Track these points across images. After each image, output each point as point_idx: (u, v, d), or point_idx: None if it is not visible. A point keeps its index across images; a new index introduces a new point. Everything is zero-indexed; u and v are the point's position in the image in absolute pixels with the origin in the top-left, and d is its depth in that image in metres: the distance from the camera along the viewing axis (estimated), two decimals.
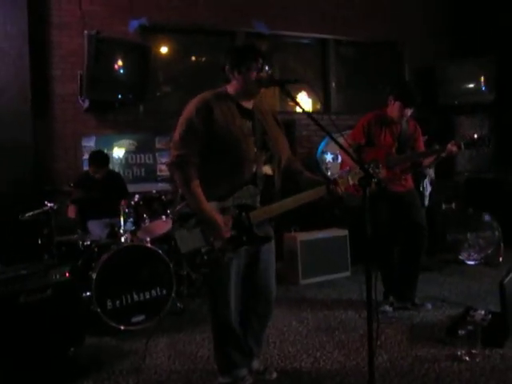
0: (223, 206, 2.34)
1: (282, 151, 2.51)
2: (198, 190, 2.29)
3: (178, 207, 2.39)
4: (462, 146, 3.44)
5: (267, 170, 2.45)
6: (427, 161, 3.74)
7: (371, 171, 2.20)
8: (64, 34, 5.19)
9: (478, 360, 2.81)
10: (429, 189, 5.23)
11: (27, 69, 4.84)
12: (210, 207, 2.30)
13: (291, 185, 2.55)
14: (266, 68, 2.38)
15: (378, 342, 3.09)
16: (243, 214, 2.35)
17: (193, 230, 2.33)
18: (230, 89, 2.43)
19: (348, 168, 2.49)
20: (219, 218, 2.29)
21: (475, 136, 3.48)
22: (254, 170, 2.38)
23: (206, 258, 2.33)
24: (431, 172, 5.19)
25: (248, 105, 2.45)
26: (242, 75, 2.36)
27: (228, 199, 2.35)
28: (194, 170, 2.30)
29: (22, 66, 4.82)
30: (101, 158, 4.57)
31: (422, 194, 5.20)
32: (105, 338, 3.43)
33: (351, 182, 2.37)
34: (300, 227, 5.09)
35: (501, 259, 5.25)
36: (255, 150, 2.38)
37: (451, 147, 3.44)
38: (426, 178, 5.17)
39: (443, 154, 3.49)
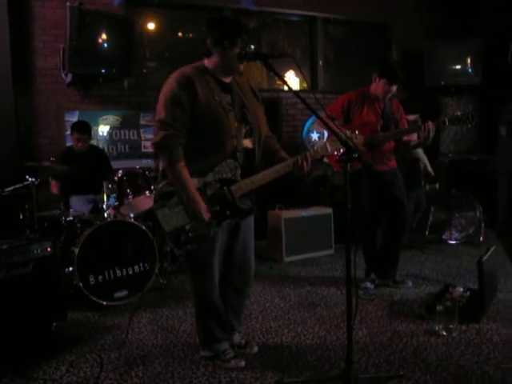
0: (205, 181, 2.34)
1: (262, 125, 2.49)
2: (184, 171, 2.27)
3: (160, 185, 2.38)
4: (447, 122, 3.44)
5: (247, 143, 2.43)
6: (412, 142, 3.74)
7: (350, 142, 2.18)
8: (46, 5, 5.06)
9: (454, 334, 2.88)
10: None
11: (7, 41, 4.71)
12: (195, 190, 2.28)
13: (267, 163, 2.53)
14: (251, 45, 2.33)
15: (359, 318, 3.17)
16: (225, 188, 2.34)
17: (175, 208, 2.33)
18: (209, 63, 2.38)
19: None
20: (202, 205, 2.28)
21: (459, 113, 3.49)
22: (235, 144, 2.36)
23: (190, 234, 2.33)
24: (426, 161, 5.22)
25: (226, 79, 2.42)
26: (225, 51, 2.32)
27: (209, 174, 2.34)
28: (180, 150, 2.28)
29: (1, 38, 4.68)
30: (83, 125, 4.50)
31: (417, 177, 5.24)
32: (88, 313, 3.44)
33: (329, 149, 2.35)
34: (284, 205, 5.11)
35: (481, 239, 5.34)
36: (236, 124, 2.37)
37: (428, 124, 3.42)
38: (418, 161, 5.20)
39: (425, 134, 3.47)
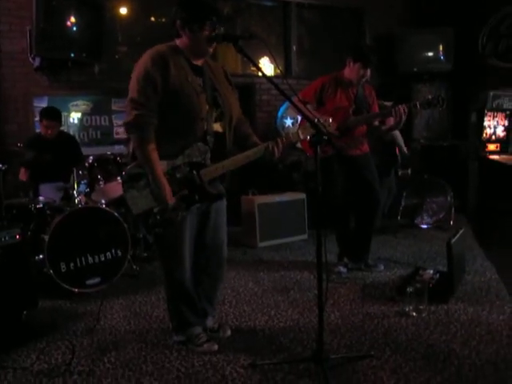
0: (174, 164, 2.31)
1: (233, 109, 2.47)
2: (154, 154, 2.24)
3: (129, 167, 2.35)
4: (418, 106, 3.48)
5: (218, 127, 2.41)
6: (388, 125, 3.77)
7: (321, 127, 2.19)
8: None
9: (424, 315, 2.94)
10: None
11: None
12: (162, 174, 2.25)
13: (239, 148, 2.52)
14: (221, 27, 2.29)
15: (331, 301, 3.21)
16: (194, 171, 2.33)
17: (143, 191, 2.30)
18: (181, 44, 2.34)
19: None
20: (167, 188, 2.26)
21: (430, 96, 3.53)
22: (205, 127, 2.34)
23: (158, 217, 2.31)
24: (402, 144, 5.27)
25: (198, 62, 2.39)
26: (194, 33, 2.28)
27: (178, 157, 2.32)
28: (152, 132, 2.24)
29: None
30: (52, 112, 4.38)
31: (395, 162, 5.30)
32: (59, 301, 3.39)
33: (302, 136, 2.36)
34: (258, 191, 5.11)
35: (452, 223, 5.45)
36: (207, 107, 2.34)
37: (400, 108, 3.45)
38: (395, 147, 5.25)
39: (396, 118, 3.50)
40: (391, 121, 3.77)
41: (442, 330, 2.75)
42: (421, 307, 2.98)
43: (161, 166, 2.27)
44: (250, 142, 2.52)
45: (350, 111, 3.64)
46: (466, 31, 6.49)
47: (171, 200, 2.28)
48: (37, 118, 4.85)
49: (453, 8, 6.62)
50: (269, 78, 2.32)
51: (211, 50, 2.35)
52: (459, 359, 2.40)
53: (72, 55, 4.84)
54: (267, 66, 6.33)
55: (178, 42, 2.36)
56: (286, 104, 6.19)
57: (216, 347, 2.54)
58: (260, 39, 2.27)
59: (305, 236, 5.08)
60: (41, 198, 3.92)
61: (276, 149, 2.37)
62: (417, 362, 2.39)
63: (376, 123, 3.81)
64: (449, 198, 5.59)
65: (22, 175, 4.28)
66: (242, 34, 2.25)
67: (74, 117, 5.25)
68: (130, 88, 2.26)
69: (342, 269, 3.84)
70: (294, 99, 2.62)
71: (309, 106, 3.49)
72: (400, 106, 3.43)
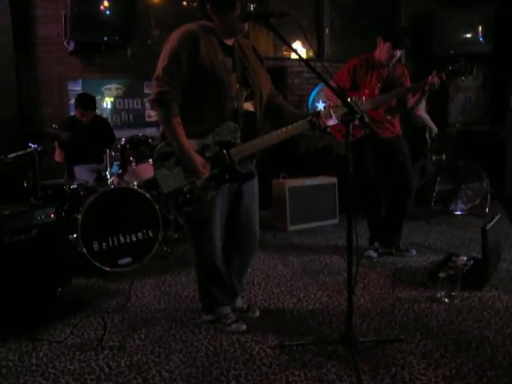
0: (203, 143, 2.31)
1: (264, 87, 2.44)
2: (179, 128, 2.24)
3: (159, 146, 2.36)
4: (444, 76, 3.37)
5: (248, 106, 2.39)
6: (412, 100, 3.67)
7: (353, 105, 2.14)
8: None
9: (456, 301, 2.88)
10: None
11: (7, 8, 4.63)
12: (189, 146, 2.25)
13: (274, 121, 2.50)
14: (251, 5, 2.26)
15: (361, 285, 3.18)
16: (224, 151, 2.32)
17: (174, 169, 2.31)
18: (213, 25, 2.32)
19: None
20: (198, 158, 2.26)
21: (456, 65, 3.37)
22: (235, 106, 2.32)
23: (188, 196, 2.32)
24: (433, 125, 5.13)
25: (228, 41, 2.37)
26: (224, 15, 2.25)
27: (208, 136, 2.31)
28: (176, 107, 2.24)
29: (2, 5, 4.60)
30: (88, 101, 4.46)
31: (424, 146, 5.17)
32: (92, 279, 3.48)
33: (333, 116, 2.31)
34: (289, 174, 5.08)
35: (487, 210, 5.30)
36: (237, 86, 2.32)
37: (432, 79, 3.35)
38: (426, 129, 5.12)
39: (426, 88, 3.41)
40: (411, 101, 3.67)
41: (475, 316, 2.68)
42: (453, 293, 2.92)
43: (188, 142, 2.26)
44: (287, 112, 2.51)
45: (376, 90, 3.56)
46: (507, 10, 6.22)
47: (202, 169, 2.26)
48: (71, 101, 4.95)
49: None
50: (301, 57, 2.28)
51: (245, 28, 2.31)
52: (492, 347, 2.34)
53: (105, 39, 4.88)
54: (299, 50, 6.25)
55: (209, 24, 2.34)
56: (318, 87, 6.11)
57: (244, 327, 2.56)
58: (291, 17, 2.21)
59: (335, 220, 5.04)
60: (75, 179, 4.00)
61: (319, 121, 2.33)
62: (448, 347, 2.35)
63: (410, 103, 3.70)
64: (485, 185, 5.43)
65: (58, 156, 4.38)
66: (273, 11, 2.20)
67: (107, 100, 5.32)
68: (158, 65, 2.27)
69: (373, 253, 3.79)
70: (329, 82, 2.58)
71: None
72: (432, 76, 3.32)
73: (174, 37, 2.26)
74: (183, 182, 2.30)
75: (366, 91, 3.52)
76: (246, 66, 2.40)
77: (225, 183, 2.37)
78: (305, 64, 2.21)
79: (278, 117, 2.53)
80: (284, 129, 2.36)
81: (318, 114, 2.35)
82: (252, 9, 2.23)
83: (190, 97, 2.27)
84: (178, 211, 2.38)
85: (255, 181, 2.56)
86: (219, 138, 2.31)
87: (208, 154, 2.31)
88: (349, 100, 2.18)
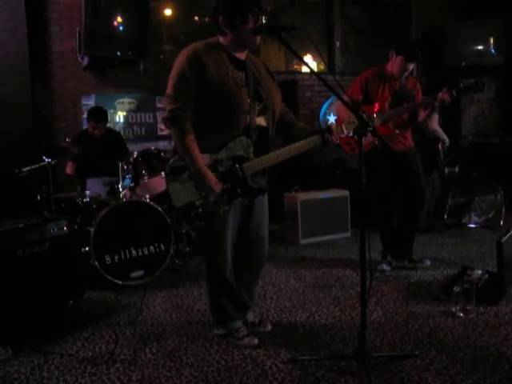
0: (216, 157, 2.32)
1: (276, 102, 2.45)
2: (193, 145, 2.25)
3: (171, 160, 2.37)
4: (455, 93, 3.36)
5: (261, 121, 2.39)
6: (423, 114, 3.65)
7: (365, 118, 2.14)
8: None
9: (471, 316, 2.83)
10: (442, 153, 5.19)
11: (24, 25, 4.73)
12: (203, 163, 2.26)
13: (285, 137, 2.50)
14: (262, 18, 2.28)
15: (374, 299, 3.14)
16: (237, 165, 2.32)
17: (186, 183, 2.31)
18: (224, 40, 2.34)
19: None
20: (211, 177, 2.26)
21: (470, 81, 3.36)
22: (248, 121, 2.33)
23: (200, 210, 2.32)
24: (445, 137, 5.10)
25: (241, 56, 2.38)
26: (236, 29, 2.27)
27: (221, 151, 2.32)
28: (189, 124, 2.26)
29: (19, 22, 4.69)
30: (100, 114, 4.51)
31: (436, 159, 5.14)
32: (104, 292, 3.48)
33: (345, 132, 2.31)
34: (301, 187, 5.07)
35: (502, 223, 5.23)
36: (249, 100, 2.33)
37: (442, 95, 3.35)
38: (439, 142, 5.10)
39: (436, 104, 3.40)
40: (422, 115, 3.65)
41: (491, 332, 2.63)
42: (468, 308, 2.86)
43: (202, 158, 2.27)
44: (298, 128, 2.52)
45: (386, 104, 3.55)
46: None
47: (217, 187, 2.27)
48: (85, 116, 5.01)
49: None
50: (312, 70, 2.28)
51: (257, 41, 2.33)
52: (510, 363, 2.29)
53: (118, 54, 4.96)
54: (310, 63, 6.27)
55: (221, 39, 2.35)
56: (329, 100, 6.12)
57: (256, 341, 2.54)
58: (302, 30, 2.23)
59: (347, 234, 5.00)
60: (87, 193, 4.02)
61: (331, 136, 2.35)
62: (464, 363, 2.30)
63: (421, 117, 3.68)
64: (499, 197, 5.36)
65: (69, 169, 4.40)
66: (284, 24, 2.21)
67: (120, 114, 5.38)
68: (168, 85, 2.31)
69: (386, 267, 3.75)
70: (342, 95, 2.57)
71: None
72: (443, 93, 3.31)
73: (181, 57, 2.30)
74: (195, 197, 2.30)
75: (376, 105, 3.51)
76: (259, 80, 2.41)
77: (237, 198, 2.37)
78: (317, 77, 2.22)
79: (289, 132, 2.54)
80: (297, 144, 2.37)
81: (329, 129, 2.34)
82: (264, 22, 2.25)
83: (202, 112, 2.29)
84: (189, 225, 2.39)
85: (266, 195, 2.56)
86: (232, 153, 2.32)
87: (221, 169, 2.32)
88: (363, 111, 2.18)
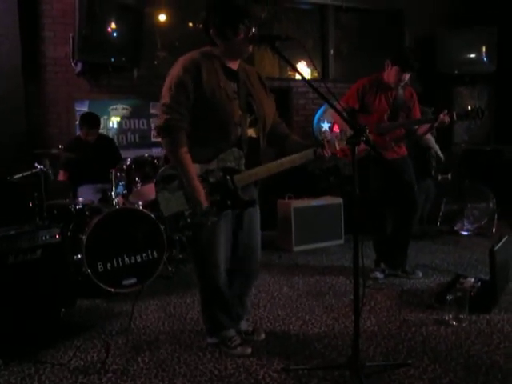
0: (207, 168, 2.31)
1: (268, 114, 2.44)
2: (187, 157, 2.24)
3: (161, 169, 2.36)
4: (455, 117, 3.38)
5: (252, 132, 2.39)
6: (421, 129, 3.67)
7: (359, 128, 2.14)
8: None
9: (464, 324, 2.83)
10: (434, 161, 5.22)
11: (17, 30, 4.72)
12: (196, 178, 2.25)
13: (277, 149, 2.50)
14: (253, 28, 2.26)
15: (368, 307, 3.14)
16: (228, 177, 2.31)
17: (175, 193, 2.30)
18: (216, 50, 2.33)
19: (338, 131, 2.44)
20: (202, 190, 2.25)
21: (469, 108, 3.41)
22: (239, 133, 2.32)
23: (189, 220, 2.31)
24: (437, 149, 5.14)
25: (233, 65, 2.38)
26: (228, 40, 2.26)
27: (212, 162, 2.31)
28: (183, 136, 2.25)
29: (12, 26, 4.69)
30: (93, 120, 4.50)
31: (429, 166, 5.18)
32: (96, 300, 3.45)
33: (338, 147, 2.32)
34: (294, 195, 5.07)
35: (494, 230, 5.26)
36: (240, 112, 2.32)
37: (443, 117, 3.37)
38: (430, 150, 5.13)
39: (436, 124, 3.43)
40: (421, 130, 3.67)
41: (483, 340, 2.64)
42: (461, 316, 2.87)
43: (194, 169, 2.27)
44: (291, 141, 2.51)
45: (385, 116, 3.57)
46: (511, 30, 6.26)
47: (205, 203, 2.27)
48: (78, 121, 5.00)
49: (496, 6, 6.39)
50: (305, 78, 2.28)
51: (250, 50, 2.32)
52: (502, 372, 2.29)
53: (112, 60, 4.96)
54: (304, 71, 6.30)
55: (212, 48, 2.35)
56: (323, 108, 6.14)
57: (249, 350, 2.52)
58: (296, 40, 2.23)
59: (341, 241, 5.00)
60: (80, 199, 4.00)
61: (325, 151, 2.33)
62: (457, 373, 2.30)
63: (416, 127, 3.70)
64: (491, 205, 5.40)
65: (61, 177, 4.39)
66: (278, 34, 2.22)
67: (114, 120, 5.37)
68: (163, 94, 2.29)
69: (379, 274, 3.76)
70: (337, 106, 2.58)
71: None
72: (444, 114, 3.35)
73: (178, 65, 2.28)
74: (184, 206, 2.29)
75: (375, 116, 3.52)
76: (251, 92, 2.40)
77: (227, 209, 2.36)
78: (310, 86, 2.22)
79: (281, 144, 2.53)
80: (288, 158, 2.37)
81: (322, 144, 2.34)
82: (255, 32, 2.25)
83: (194, 123, 2.28)
84: (176, 234, 2.37)
85: (257, 206, 2.55)
86: (223, 164, 2.31)
87: (211, 180, 2.31)
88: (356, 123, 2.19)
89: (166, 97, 2.26)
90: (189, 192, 2.27)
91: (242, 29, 2.23)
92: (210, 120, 2.28)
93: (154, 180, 2.40)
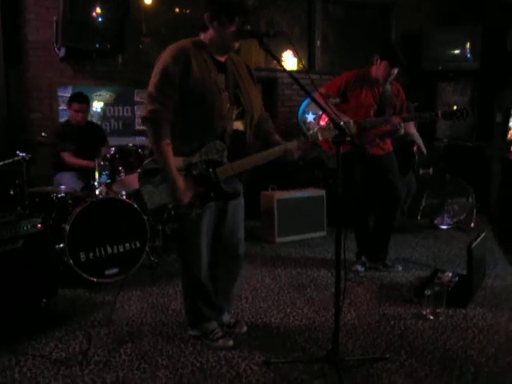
0: (190, 161, 2.31)
1: (255, 107, 2.45)
2: (168, 149, 2.24)
3: (146, 162, 2.36)
4: (440, 116, 3.43)
5: (238, 125, 2.39)
6: (407, 127, 3.70)
7: (344, 127, 2.16)
8: None
9: (441, 319, 2.91)
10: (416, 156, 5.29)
11: None
12: (175, 169, 2.25)
13: (262, 144, 2.52)
14: (247, 25, 2.26)
15: (348, 300, 3.19)
16: (210, 169, 2.32)
17: (159, 186, 2.31)
18: (205, 38, 2.32)
19: (324, 124, 2.45)
20: (182, 183, 2.26)
21: (454, 108, 3.46)
22: (225, 125, 2.32)
23: (173, 213, 2.32)
24: (421, 143, 5.20)
25: (221, 58, 2.37)
26: (222, 27, 2.25)
27: (195, 154, 2.31)
28: (167, 128, 2.24)
29: None
30: (82, 96, 4.42)
31: (411, 161, 5.24)
32: (78, 290, 3.44)
33: (321, 138, 2.34)
34: (278, 186, 5.09)
35: (473, 225, 5.36)
36: (228, 105, 2.32)
37: (394, 119, 3.44)
38: (414, 144, 5.19)
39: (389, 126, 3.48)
40: (411, 125, 3.71)
41: (459, 335, 2.72)
42: (438, 311, 2.95)
43: (175, 162, 2.27)
44: (271, 141, 2.51)
45: (372, 111, 3.59)
46: (495, 28, 6.32)
47: (184, 195, 2.27)
48: (61, 107, 4.93)
49: (481, 5, 6.45)
50: (292, 75, 2.28)
51: (236, 45, 2.32)
52: (476, 366, 2.37)
53: (97, 46, 4.86)
54: (290, 60, 6.28)
55: (202, 36, 2.34)
56: (308, 99, 6.14)
57: (231, 343, 2.56)
58: (285, 36, 2.24)
59: (323, 233, 5.05)
60: (62, 188, 3.95)
61: (295, 151, 2.36)
62: (433, 367, 2.37)
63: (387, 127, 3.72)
64: (470, 200, 5.50)
65: (69, 158, 4.23)
66: (267, 30, 2.22)
67: (97, 107, 5.30)
68: (150, 82, 2.27)
69: (360, 268, 3.82)
70: (316, 95, 2.59)
71: (330, 100, 3.47)
72: (395, 117, 3.41)
73: (167, 53, 2.26)
74: (168, 199, 2.30)
75: (361, 111, 3.54)
76: (239, 84, 2.40)
77: (210, 201, 2.37)
78: (295, 82, 2.22)
79: (265, 141, 2.54)
80: (270, 150, 2.39)
81: (296, 142, 2.37)
82: (247, 28, 2.25)
83: (180, 114, 2.27)
84: (163, 226, 2.38)
85: (241, 199, 2.57)
86: (206, 157, 2.32)
87: (194, 172, 2.32)
88: (340, 122, 2.21)
89: (152, 86, 2.24)
90: (169, 185, 2.27)
91: (235, 21, 2.23)
92: (197, 112, 2.27)
93: (138, 172, 2.40)
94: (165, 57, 2.26)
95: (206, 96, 2.25)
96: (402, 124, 3.47)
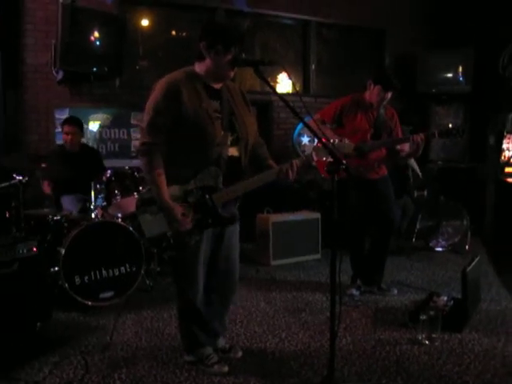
0: (186, 188, 2.34)
1: (250, 133, 2.48)
2: (160, 179, 2.28)
3: (143, 191, 2.40)
4: (436, 135, 3.48)
5: (233, 151, 2.43)
6: (404, 152, 3.71)
7: (337, 153, 2.19)
8: (38, 0, 5.01)
9: (436, 344, 2.91)
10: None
11: None
12: (169, 198, 2.28)
13: (256, 170, 2.55)
14: (242, 54, 2.32)
15: (343, 325, 3.18)
16: (207, 196, 2.34)
17: (157, 215, 2.34)
18: (201, 67, 2.37)
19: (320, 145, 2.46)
20: (177, 209, 2.29)
21: (450, 126, 3.52)
22: (219, 152, 2.35)
23: (171, 241, 2.33)
24: (415, 164, 5.25)
25: (216, 85, 2.41)
26: (219, 56, 2.30)
27: (190, 182, 2.34)
28: (159, 158, 2.29)
29: None
30: (74, 119, 4.46)
31: (406, 184, 5.29)
32: (73, 313, 3.42)
33: (315, 158, 2.36)
34: (273, 209, 5.11)
35: (467, 247, 5.39)
36: (222, 132, 2.36)
37: (417, 137, 3.45)
38: (408, 167, 5.24)
39: (415, 146, 3.51)
40: (406, 146, 3.73)
41: (455, 360, 2.71)
42: (434, 335, 2.95)
43: (172, 191, 2.31)
44: (265, 165, 2.54)
45: (368, 135, 3.64)
46: (487, 52, 6.45)
47: (182, 223, 2.29)
48: (58, 130, 4.95)
49: (473, 29, 6.59)
50: (285, 100, 2.29)
51: (232, 74, 2.37)
52: None
53: (94, 69, 4.92)
54: (285, 82, 6.36)
55: (197, 65, 2.39)
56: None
57: (226, 369, 2.54)
58: (279, 65, 2.29)
59: (318, 255, 5.06)
60: (59, 210, 3.95)
61: (290, 172, 2.39)
62: None
63: (398, 147, 3.75)
64: (465, 222, 5.53)
65: (46, 188, 4.30)
66: (262, 58, 2.27)
67: (94, 129, 5.33)
68: (144, 114, 2.34)
69: (355, 291, 3.81)
70: (310, 122, 2.62)
71: (326, 126, 3.51)
72: (417, 135, 3.42)
73: (159, 88, 2.32)
74: (166, 228, 2.32)
75: (358, 135, 3.58)
76: (234, 110, 2.44)
77: (208, 228, 2.39)
78: (289, 108, 2.26)
79: (259, 167, 2.57)
80: (261, 174, 2.43)
81: (291, 165, 2.39)
82: (242, 57, 2.30)
83: (175, 144, 2.32)
84: (161, 255, 2.39)
85: (237, 224, 2.59)
86: (202, 183, 2.34)
87: (191, 200, 2.34)
88: (333, 142, 2.24)
89: (145, 120, 2.32)
90: (165, 213, 2.30)
91: (232, 50, 2.28)
92: (191, 141, 2.31)
93: (135, 202, 2.43)
94: (156, 92, 2.31)
95: (197, 125, 2.29)
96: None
